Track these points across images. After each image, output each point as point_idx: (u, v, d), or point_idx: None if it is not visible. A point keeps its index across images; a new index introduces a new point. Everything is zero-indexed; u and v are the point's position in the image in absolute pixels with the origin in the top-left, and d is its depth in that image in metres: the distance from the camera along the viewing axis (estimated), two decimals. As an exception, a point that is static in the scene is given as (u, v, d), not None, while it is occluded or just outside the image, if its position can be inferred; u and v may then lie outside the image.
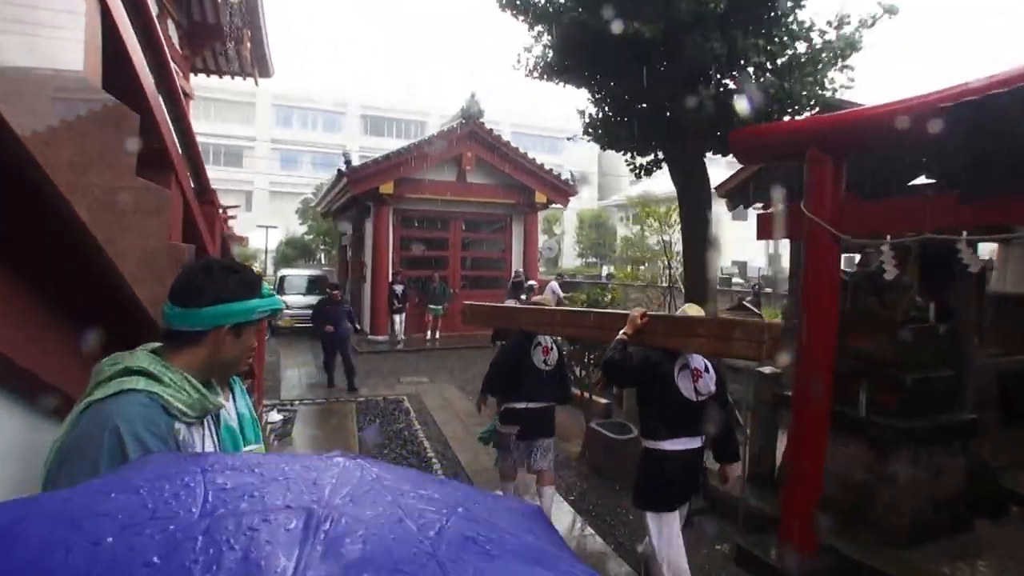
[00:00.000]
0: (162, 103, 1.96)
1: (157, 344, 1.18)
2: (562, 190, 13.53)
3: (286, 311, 13.56)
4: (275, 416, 5.26)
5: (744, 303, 4.01)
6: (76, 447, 0.97)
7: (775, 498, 3.63)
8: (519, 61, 5.06)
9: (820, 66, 4.32)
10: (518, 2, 4.58)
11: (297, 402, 7.14)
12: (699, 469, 2.92)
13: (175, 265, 1.79)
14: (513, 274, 12.93)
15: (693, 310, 3.05)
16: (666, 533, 2.75)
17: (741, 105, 4.17)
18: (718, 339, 2.53)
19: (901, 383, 3.19)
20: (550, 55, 4.91)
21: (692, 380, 2.79)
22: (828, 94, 4.38)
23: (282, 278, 14.67)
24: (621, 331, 2.78)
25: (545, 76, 5.12)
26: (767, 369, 3.86)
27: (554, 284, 12.96)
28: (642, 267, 21.79)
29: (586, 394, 5.40)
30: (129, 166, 1.48)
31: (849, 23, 4.30)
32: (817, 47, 4.34)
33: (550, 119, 41.76)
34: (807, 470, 2.63)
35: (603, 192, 38.05)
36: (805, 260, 2.60)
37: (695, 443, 2.82)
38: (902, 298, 3.29)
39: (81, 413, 1.01)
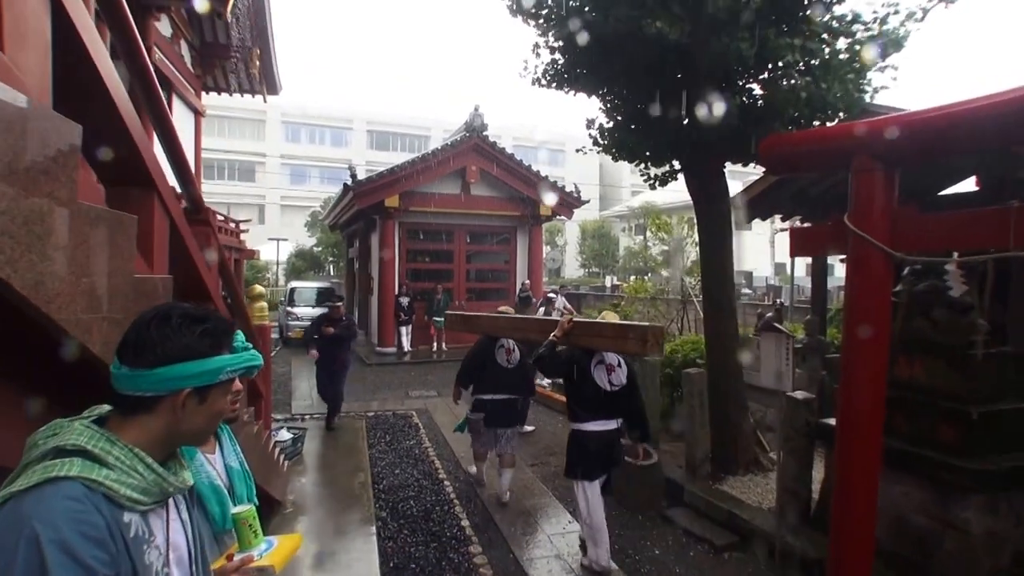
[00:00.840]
0: (135, 113, 1.75)
1: (108, 408, 0.95)
2: (566, 202, 13.48)
3: (296, 322, 13.65)
4: (285, 435, 5.15)
5: (774, 324, 3.81)
6: None
7: (813, 534, 3.41)
8: (526, 68, 4.88)
9: (859, 66, 4.00)
10: (530, 7, 4.40)
11: (308, 417, 7.02)
12: (615, 446, 3.55)
13: (146, 303, 1.57)
14: (519, 288, 12.82)
15: (611, 316, 3.75)
16: (588, 496, 3.44)
17: (769, 111, 3.93)
18: (618, 339, 3.19)
19: (965, 417, 2.85)
20: (560, 61, 4.74)
21: (607, 373, 3.46)
22: (866, 96, 4.09)
23: (292, 290, 14.88)
24: (552, 333, 3.44)
25: (554, 84, 4.90)
26: (799, 394, 3.63)
27: (562, 298, 12.84)
28: (647, 277, 21.66)
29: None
30: (67, 186, 1.20)
31: (898, 12, 3.93)
32: (857, 45, 4.02)
33: (552, 131, 42.01)
34: (857, 516, 2.37)
35: (604, 203, 38.05)
36: (849, 279, 2.39)
37: (611, 425, 3.49)
38: (960, 320, 2.95)
39: None
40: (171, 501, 0.98)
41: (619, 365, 3.49)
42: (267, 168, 35.87)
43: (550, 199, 13.11)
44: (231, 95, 12.22)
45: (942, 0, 3.83)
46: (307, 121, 37.78)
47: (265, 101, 12.89)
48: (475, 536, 4.02)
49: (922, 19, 3.91)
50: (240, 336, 1.06)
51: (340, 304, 6.73)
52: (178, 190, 2.63)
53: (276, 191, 35.91)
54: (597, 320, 3.62)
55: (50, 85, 1.33)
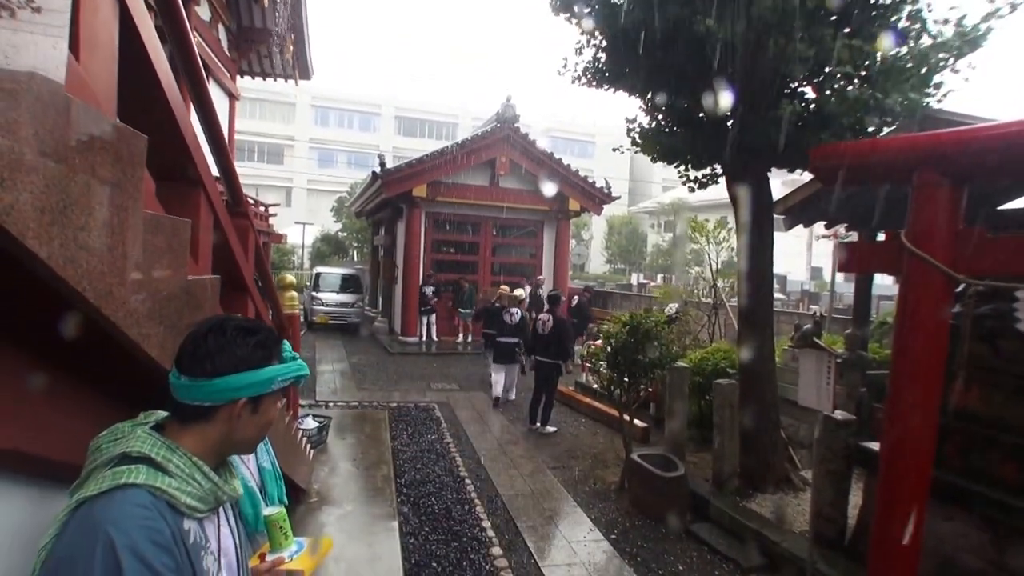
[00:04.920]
0: (187, 117, 1.78)
1: (163, 414, 0.99)
2: (596, 198, 13.28)
3: (321, 307, 13.91)
4: (310, 423, 5.21)
5: (814, 340, 3.67)
6: (64, 563, 0.79)
7: (848, 564, 3.27)
8: (565, 66, 4.77)
9: (926, 70, 3.68)
10: (574, 5, 4.28)
11: (331, 404, 7.12)
12: (516, 352, 7.32)
13: (197, 305, 1.62)
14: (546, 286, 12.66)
15: (519, 292, 7.99)
16: (495, 371, 7.56)
17: (821, 117, 3.70)
18: (508, 299, 7.86)
19: None
20: (602, 60, 4.61)
21: (510, 316, 7.37)
22: (932, 102, 3.77)
23: (317, 275, 15.06)
24: (494, 298, 8.31)
25: (595, 83, 4.81)
26: (839, 415, 3.49)
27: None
28: (673, 276, 21.30)
29: (625, 416, 5.18)
30: (134, 197, 1.21)
31: (996, 7, 3.49)
32: (924, 48, 3.69)
33: (582, 123, 41.50)
34: (900, 551, 2.23)
35: (633, 197, 37.51)
36: (903, 301, 2.24)
37: (512, 340, 7.32)
38: (1024, 348, 2.74)
39: (72, 512, 0.83)
40: (221, 508, 1.03)
41: (515, 313, 7.41)
42: (295, 151, 36.32)
43: (580, 194, 12.94)
44: (265, 80, 12.33)
45: None
46: (336, 105, 38.06)
47: (297, 85, 12.97)
48: (496, 538, 4.00)
49: (1009, 14, 3.50)
50: (287, 346, 1.08)
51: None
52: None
53: (303, 175, 36.38)
54: (510, 294, 7.88)
55: (115, 90, 1.37)
